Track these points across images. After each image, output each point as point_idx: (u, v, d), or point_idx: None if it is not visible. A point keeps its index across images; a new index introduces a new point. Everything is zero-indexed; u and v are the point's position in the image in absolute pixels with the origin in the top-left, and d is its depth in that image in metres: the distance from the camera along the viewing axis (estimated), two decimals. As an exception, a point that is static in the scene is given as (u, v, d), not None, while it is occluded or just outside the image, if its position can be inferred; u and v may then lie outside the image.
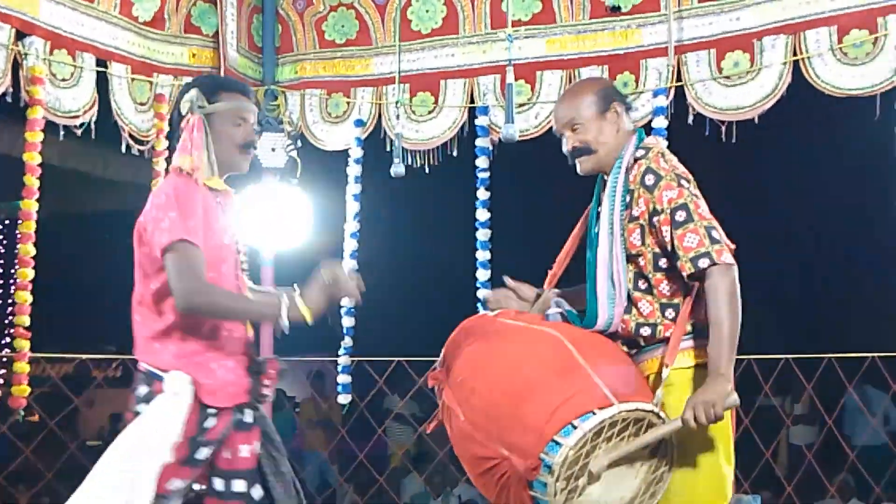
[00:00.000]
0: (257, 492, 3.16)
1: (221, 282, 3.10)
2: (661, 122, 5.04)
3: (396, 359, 5.88)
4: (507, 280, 3.31)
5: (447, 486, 7.62)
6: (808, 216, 8.54)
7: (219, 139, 3.18)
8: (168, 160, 5.15)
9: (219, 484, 3.12)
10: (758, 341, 4.62)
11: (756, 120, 4.97)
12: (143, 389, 3.08)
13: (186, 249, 2.96)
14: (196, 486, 3.12)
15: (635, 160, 3.07)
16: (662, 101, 5.07)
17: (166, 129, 5.24)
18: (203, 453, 3.06)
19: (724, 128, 5.03)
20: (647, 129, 4.91)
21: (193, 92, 3.21)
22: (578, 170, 3.19)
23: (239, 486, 3.13)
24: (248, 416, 3.15)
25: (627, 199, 3.04)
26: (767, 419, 7.13)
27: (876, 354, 5.13)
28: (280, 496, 3.18)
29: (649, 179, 3.00)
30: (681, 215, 2.93)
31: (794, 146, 7.76)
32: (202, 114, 3.17)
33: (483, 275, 5.48)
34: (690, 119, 5.07)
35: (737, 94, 5.01)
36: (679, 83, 5.10)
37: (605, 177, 3.14)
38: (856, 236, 7.92)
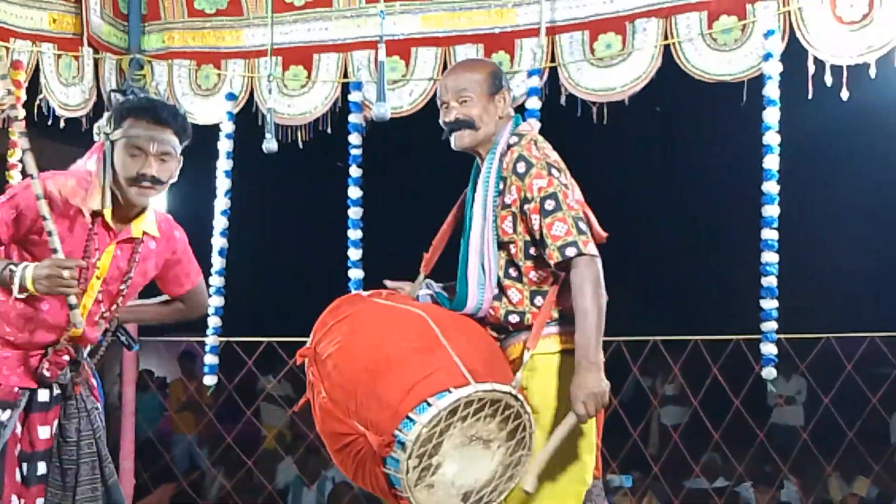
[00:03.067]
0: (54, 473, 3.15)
1: (33, 310, 3.06)
2: (534, 103, 5.03)
3: (267, 339, 5.75)
4: (387, 283, 3.28)
5: (320, 468, 7.54)
6: (677, 198, 8.71)
7: (116, 168, 3.09)
8: (24, 132, 4.98)
9: (23, 467, 3.10)
10: (627, 323, 4.67)
11: (626, 102, 5.01)
12: None
13: None
14: None
15: (509, 147, 3.06)
16: (536, 81, 5.06)
17: (24, 97, 5.02)
18: None
19: (595, 109, 5.05)
20: (521, 109, 4.90)
21: (104, 117, 3.15)
22: (453, 144, 3.15)
23: (42, 468, 3.13)
24: (44, 395, 3.14)
25: (500, 185, 3.03)
26: (636, 400, 7.26)
27: (739, 337, 5.23)
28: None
29: (521, 167, 2.99)
30: (550, 204, 2.93)
31: (664, 129, 7.89)
32: (107, 140, 3.11)
33: (354, 254, 5.39)
34: (563, 100, 5.08)
35: (608, 76, 5.02)
36: (553, 64, 5.09)
37: (480, 162, 3.11)
38: (724, 219, 8.11)
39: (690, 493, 6.51)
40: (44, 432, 3.13)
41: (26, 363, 3.12)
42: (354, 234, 5.40)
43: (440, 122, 3.21)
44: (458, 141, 3.13)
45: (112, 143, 3.10)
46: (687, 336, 5.43)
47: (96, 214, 3.12)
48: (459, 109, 3.10)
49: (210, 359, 5.46)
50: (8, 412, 3.08)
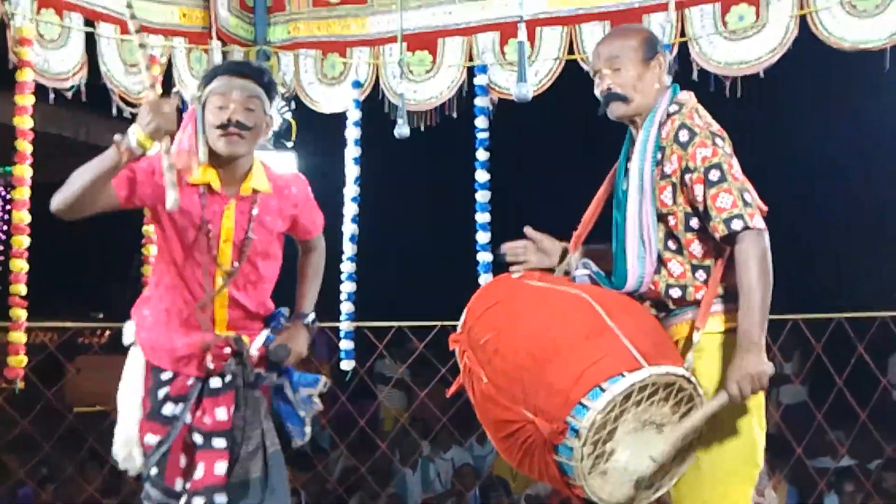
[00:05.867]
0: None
1: (185, 282, 3.20)
2: (664, 79, 4.94)
3: (397, 324, 5.78)
4: (528, 231, 3.16)
5: (441, 450, 7.55)
6: (818, 173, 8.46)
7: (206, 124, 3.15)
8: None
9: (198, 438, 3.19)
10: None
11: (762, 75, 4.90)
12: None
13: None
14: None
15: (668, 115, 2.96)
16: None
17: (158, 90, 5.11)
18: (170, 409, 3.17)
19: (728, 83, 4.96)
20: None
21: (194, 86, 3.33)
22: (609, 114, 3.04)
23: (218, 442, 3.19)
24: (216, 382, 3.21)
25: (659, 155, 2.92)
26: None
27: (886, 314, 5.09)
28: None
29: (683, 136, 2.88)
30: (714, 174, 2.82)
31: (801, 101, 7.67)
32: (199, 103, 3.17)
33: (483, 237, 5.40)
34: (695, 75, 4.98)
35: (741, 49, 4.93)
36: (683, 39, 5.00)
37: (634, 133, 3.03)
38: (864, 193, 7.86)
39: (820, 472, 6.35)
40: (221, 414, 3.19)
41: (197, 355, 3.20)
42: (482, 217, 5.40)
43: (595, 93, 3.08)
44: (612, 112, 3.02)
45: (203, 105, 3.16)
46: (831, 314, 5.30)
47: (203, 184, 3.17)
48: (612, 78, 2.98)
49: (346, 344, 5.52)
50: (181, 405, 3.18)
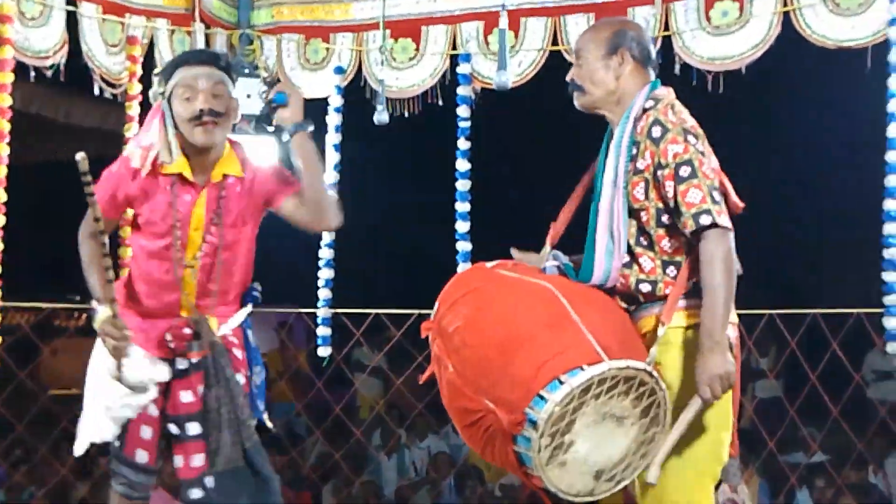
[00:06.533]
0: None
1: (150, 272, 3.23)
2: (647, 73, 4.93)
3: (374, 311, 5.79)
4: (514, 252, 3.20)
5: (417, 438, 7.56)
6: (797, 168, 8.49)
7: (176, 120, 3.17)
8: (141, 104, 5.09)
9: (173, 427, 3.25)
10: (742, 295, 4.57)
11: (744, 70, 4.90)
12: None
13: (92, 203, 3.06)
14: None
15: (644, 111, 2.97)
16: (649, 50, 4.96)
17: (139, 72, 5.11)
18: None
19: (710, 78, 4.96)
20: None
21: (155, 82, 3.26)
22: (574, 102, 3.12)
23: (193, 428, 3.24)
24: (182, 364, 3.25)
25: (634, 150, 2.94)
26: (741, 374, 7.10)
27: (861, 311, 5.10)
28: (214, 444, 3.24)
29: (656, 132, 2.90)
30: (685, 171, 2.84)
31: (782, 97, 7.70)
32: (163, 98, 3.20)
33: (462, 226, 5.39)
34: (677, 69, 4.98)
35: (724, 44, 4.93)
36: (667, 33, 5.00)
37: (613, 127, 3.05)
38: (843, 190, 7.89)
39: (791, 467, 6.38)
40: (186, 396, 3.25)
41: (159, 335, 3.24)
42: (462, 206, 5.40)
43: None
44: (575, 102, 3.10)
45: (168, 99, 3.17)
46: (806, 309, 5.33)
47: (174, 174, 3.19)
48: (575, 70, 3.07)
49: (323, 330, 5.52)
50: None
